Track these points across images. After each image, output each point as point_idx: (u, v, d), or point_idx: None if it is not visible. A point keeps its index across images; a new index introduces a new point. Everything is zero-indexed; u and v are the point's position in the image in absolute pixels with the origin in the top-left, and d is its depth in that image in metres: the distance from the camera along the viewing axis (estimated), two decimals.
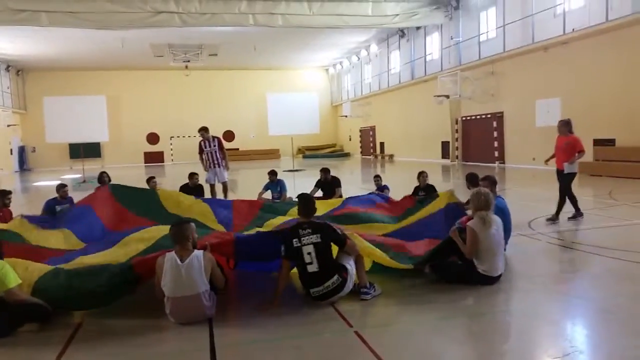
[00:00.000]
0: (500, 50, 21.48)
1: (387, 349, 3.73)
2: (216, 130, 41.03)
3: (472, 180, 7.20)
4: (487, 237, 5.06)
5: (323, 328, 4.22)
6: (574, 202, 8.44)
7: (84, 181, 21.74)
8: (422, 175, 9.19)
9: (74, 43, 28.67)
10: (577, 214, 8.42)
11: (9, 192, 8.14)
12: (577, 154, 8.30)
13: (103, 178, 9.76)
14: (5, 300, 4.26)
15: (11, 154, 35.27)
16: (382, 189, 9.70)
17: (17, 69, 36.33)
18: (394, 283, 5.25)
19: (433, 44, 27.62)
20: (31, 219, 6.67)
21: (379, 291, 4.89)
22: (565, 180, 8.42)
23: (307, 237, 4.68)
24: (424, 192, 8.78)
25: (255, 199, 9.77)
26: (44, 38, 27.07)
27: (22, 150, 37.08)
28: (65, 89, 37.73)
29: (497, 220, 5.24)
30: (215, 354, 3.75)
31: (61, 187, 8.97)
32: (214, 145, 11.62)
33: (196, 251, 4.41)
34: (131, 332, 4.24)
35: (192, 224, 4.63)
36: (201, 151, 11.70)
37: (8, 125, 32.62)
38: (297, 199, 5.23)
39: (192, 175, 10.49)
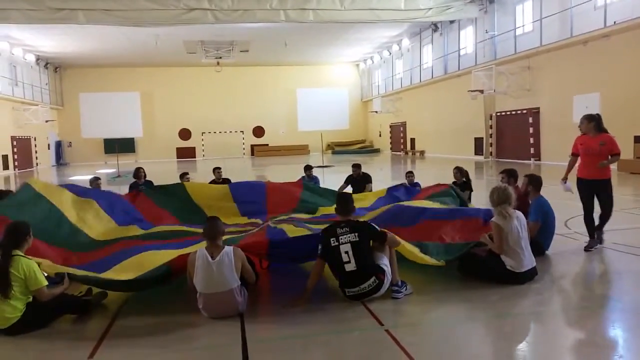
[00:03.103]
0: (536, 44, 20.94)
1: (418, 348, 3.68)
2: (246, 126, 41.95)
3: (512, 174, 7.04)
4: (511, 231, 4.99)
5: (353, 326, 4.19)
6: (594, 225, 6.42)
7: (119, 176, 22.21)
8: (459, 170, 8.94)
9: (109, 40, 29.30)
10: (596, 242, 6.39)
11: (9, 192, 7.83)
12: (610, 157, 6.21)
13: (139, 173, 9.92)
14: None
15: (48, 148, 36.34)
16: (414, 185, 9.56)
17: (55, 66, 37.40)
18: (425, 281, 5.19)
19: (467, 38, 27.13)
20: (71, 189, 6.83)
21: (410, 290, 4.83)
22: (609, 190, 6.32)
23: (344, 236, 4.65)
24: (460, 188, 8.60)
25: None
26: (80, 36, 27.76)
27: (58, 145, 38.18)
28: (101, 86, 38.62)
29: (518, 215, 5.17)
30: (247, 349, 3.77)
31: (94, 180, 9.27)
32: None
33: (226, 247, 4.42)
34: (165, 326, 4.28)
35: (221, 221, 4.67)
36: None
37: (46, 121, 33.61)
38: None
39: (216, 170, 10.54)
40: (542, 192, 6.41)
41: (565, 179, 6.55)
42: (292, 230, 6.02)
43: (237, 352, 3.72)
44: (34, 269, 4.24)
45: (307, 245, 4.89)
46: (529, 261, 5.04)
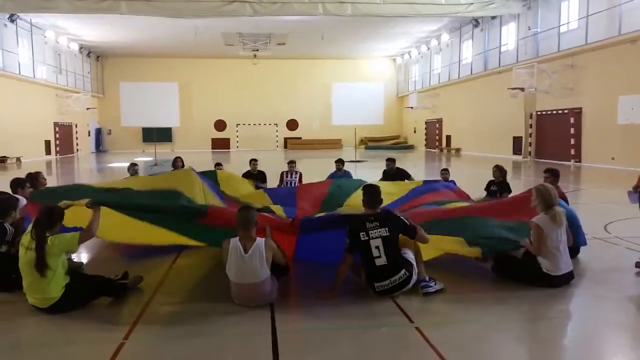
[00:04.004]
0: (581, 42, 20.29)
1: (449, 347, 3.62)
2: (280, 119, 42.16)
3: (555, 174, 6.83)
4: (551, 234, 4.84)
5: (383, 322, 4.17)
6: None
7: (156, 164, 22.66)
8: (499, 169, 8.68)
9: (149, 31, 29.88)
10: None
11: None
12: None
13: (177, 163, 10.14)
14: (80, 273, 4.50)
15: (89, 135, 37.41)
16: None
17: (97, 55, 38.41)
18: (457, 281, 5.11)
19: (509, 34, 26.50)
20: None
21: (441, 286, 4.75)
22: None
23: (374, 231, 4.58)
24: (497, 187, 8.40)
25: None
26: (122, 26, 28.41)
27: (98, 133, 39.26)
28: (140, 75, 39.45)
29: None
30: (276, 338, 3.80)
31: (132, 166, 9.48)
32: (295, 178, 10.59)
33: (258, 240, 4.43)
34: (196, 314, 4.35)
35: (255, 211, 4.70)
36: (281, 182, 10.62)
37: (87, 109, 34.58)
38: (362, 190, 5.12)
39: (252, 161, 10.60)
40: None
41: (637, 188, 5.83)
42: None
43: (267, 340, 3.76)
44: (60, 239, 4.31)
45: (337, 220, 5.12)
46: (566, 265, 4.90)
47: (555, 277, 4.83)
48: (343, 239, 4.68)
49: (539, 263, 4.88)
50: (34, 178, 6.97)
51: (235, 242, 4.41)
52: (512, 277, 5.03)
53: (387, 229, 4.59)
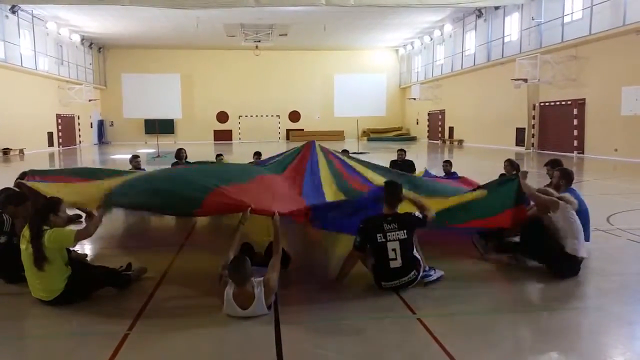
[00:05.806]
0: (585, 33, 20.14)
1: (451, 338, 3.64)
2: (282, 111, 42.03)
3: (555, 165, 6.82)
4: (571, 216, 4.96)
5: (386, 313, 4.18)
6: None
7: (158, 156, 22.65)
8: (510, 163, 8.57)
9: (151, 22, 29.77)
10: None
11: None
12: None
13: (181, 154, 10.16)
14: (85, 264, 4.50)
15: (91, 127, 37.42)
16: (451, 175, 9.39)
17: (99, 46, 38.28)
18: (461, 271, 5.14)
19: (512, 25, 26.34)
20: None
21: (441, 273, 4.78)
22: None
23: (392, 233, 4.49)
24: None
25: None
26: (124, 17, 28.32)
27: (101, 124, 39.24)
28: (142, 67, 39.34)
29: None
30: (279, 330, 3.81)
31: (134, 158, 9.49)
32: None
33: (256, 293, 3.98)
34: (199, 305, 4.37)
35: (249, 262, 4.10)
36: None
37: (89, 100, 34.54)
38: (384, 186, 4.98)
39: (256, 154, 10.47)
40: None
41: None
42: (332, 194, 5.91)
43: (270, 332, 3.78)
44: (57, 232, 4.28)
45: (350, 206, 5.13)
46: (583, 251, 4.99)
47: (579, 259, 4.91)
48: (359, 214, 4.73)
49: (562, 244, 4.93)
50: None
51: (230, 297, 3.97)
52: (536, 259, 5.13)
53: (405, 231, 4.51)
